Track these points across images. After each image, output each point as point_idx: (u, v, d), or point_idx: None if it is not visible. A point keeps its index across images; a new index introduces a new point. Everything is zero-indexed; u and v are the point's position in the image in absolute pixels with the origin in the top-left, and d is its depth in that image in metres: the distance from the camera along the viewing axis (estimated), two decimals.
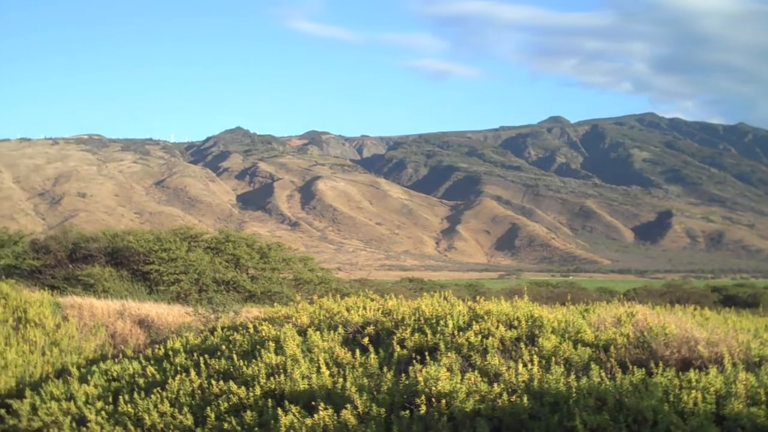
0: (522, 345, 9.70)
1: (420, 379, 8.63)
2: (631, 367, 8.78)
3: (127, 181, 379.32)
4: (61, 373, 12.96)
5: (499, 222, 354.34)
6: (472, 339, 9.76)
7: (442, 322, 10.44)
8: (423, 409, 8.17)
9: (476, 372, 8.91)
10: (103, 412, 9.98)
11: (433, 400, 8.31)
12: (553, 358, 9.24)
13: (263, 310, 16.67)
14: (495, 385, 8.50)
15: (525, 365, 8.98)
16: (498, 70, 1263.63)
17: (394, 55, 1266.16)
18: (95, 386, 11.00)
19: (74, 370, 12.07)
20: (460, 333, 10.05)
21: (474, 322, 10.40)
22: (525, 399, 8.11)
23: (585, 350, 9.62)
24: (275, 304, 15.16)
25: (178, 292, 29.79)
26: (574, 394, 8.20)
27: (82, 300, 18.86)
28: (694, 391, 8.02)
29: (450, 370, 8.88)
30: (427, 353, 9.49)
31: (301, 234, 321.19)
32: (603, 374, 8.65)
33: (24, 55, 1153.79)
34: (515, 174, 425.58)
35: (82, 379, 11.45)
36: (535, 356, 9.20)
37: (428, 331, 10.22)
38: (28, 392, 11.20)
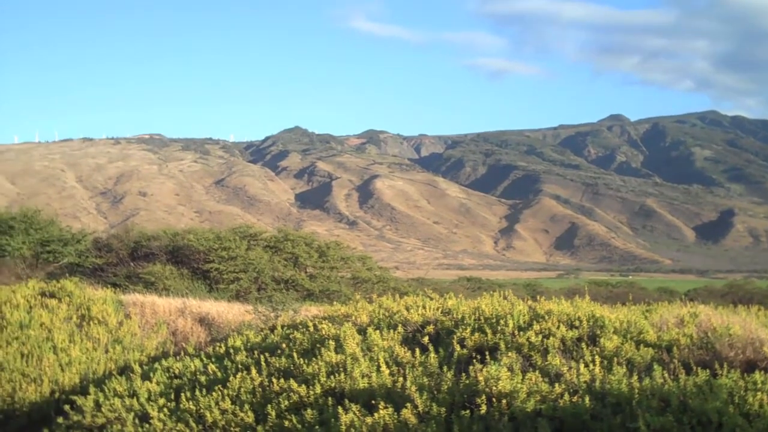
0: (583, 345, 9.60)
1: (480, 378, 8.57)
2: (694, 368, 8.64)
3: (187, 180, 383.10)
4: (124, 370, 13.10)
5: (558, 221, 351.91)
6: (533, 339, 9.68)
7: (502, 322, 10.37)
8: (483, 408, 8.11)
9: (537, 372, 8.83)
10: (165, 409, 10.06)
11: (494, 399, 8.24)
12: (615, 359, 9.13)
13: (322, 308, 16.72)
14: (556, 385, 8.41)
15: (586, 365, 8.87)
16: (557, 68, 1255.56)
17: (452, 53, 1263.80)
18: (157, 383, 11.10)
19: (137, 367, 12.20)
20: (521, 333, 9.98)
21: (534, 322, 10.32)
22: (587, 400, 8.01)
23: (647, 351, 9.50)
24: (334, 302, 15.18)
25: (237, 290, 30.02)
26: (637, 395, 8.08)
27: (144, 298, 19.07)
28: (759, 393, 7.87)
29: (511, 369, 8.81)
30: (487, 353, 9.42)
31: (359, 233, 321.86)
32: (666, 375, 8.53)
33: (88, 58, 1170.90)
34: (574, 173, 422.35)
35: (145, 376, 11.56)
36: (596, 356, 9.10)
37: (488, 331, 10.16)
38: (91, 389, 11.33)
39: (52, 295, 17.78)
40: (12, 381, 13.10)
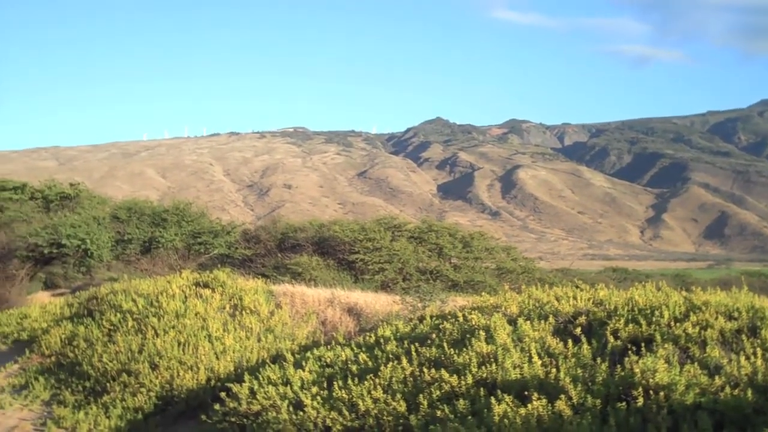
0: (743, 337, 9.28)
1: (637, 370, 8.39)
2: None
3: (331, 172, 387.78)
4: (276, 359, 13.37)
5: (707, 210, 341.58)
6: (690, 330, 9.41)
7: (657, 313, 10.11)
8: (640, 401, 7.94)
9: (695, 364, 8.59)
10: (318, 397, 10.22)
11: (651, 392, 8.06)
12: None
13: (470, 299, 16.65)
14: (716, 378, 8.17)
15: (747, 358, 8.57)
16: (704, 52, 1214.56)
17: (594, 40, 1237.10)
18: (310, 372, 11.29)
19: (289, 356, 12.42)
20: (677, 324, 9.72)
21: (691, 313, 10.03)
22: (749, 393, 7.74)
23: None
24: (482, 293, 15.10)
25: (382, 280, 30.23)
26: None
27: (294, 288, 19.38)
28: None
29: (668, 361, 8.59)
30: (642, 344, 9.22)
31: (502, 223, 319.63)
32: None
33: (235, 56, 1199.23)
34: (724, 160, 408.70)
35: (297, 365, 11.76)
36: (758, 349, 8.79)
37: (643, 322, 9.93)
38: (246, 377, 11.60)
39: (206, 286, 18.25)
40: (170, 368, 13.53)
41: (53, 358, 16.76)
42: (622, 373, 8.59)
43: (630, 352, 9.09)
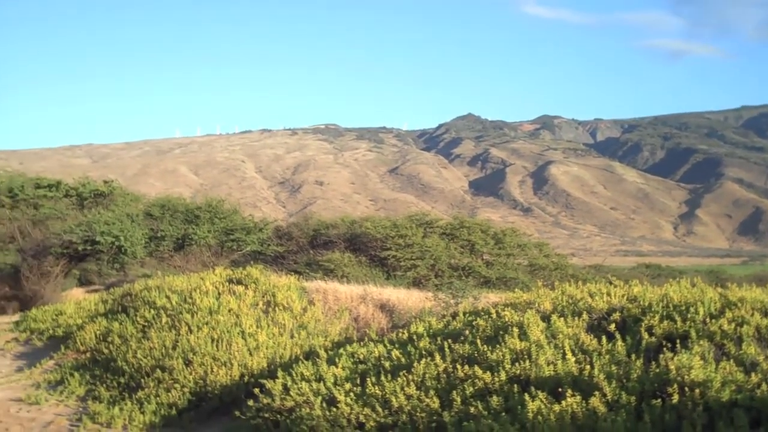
0: None
1: (672, 367, 8.33)
2: None
3: (362, 168, 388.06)
4: (309, 355, 13.40)
5: (741, 206, 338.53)
6: (726, 327, 9.33)
7: (692, 309, 10.04)
8: (675, 398, 7.89)
9: (731, 361, 8.53)
10: (351, 394, 10.23)
11: (686, 389, 8.01)
12: None
13: (503, 295, 16.62)
14: (752, 374, 8.09)
15: None
16: (739, 47, 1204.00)
17: (626, 35, 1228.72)
18: (343, 368, 11.30)
19: (322, 353, 12.45)
20: (712, 320, 9.64)
21: (726, 310, 9.96)
22: None
23: None
24: (515, 289, 15.05)
25: (414, 277, 30.21)
26: None
27: (327, 285, 19.41)
28: None
29: (703, 358, 8.54)
30: (677, 341, 9.16)
31: (534, 219, 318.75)
32: None
33: (267, 53, 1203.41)
34: (759, 155, 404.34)
35: (330, 361, 11.78)
36: None
37: (678, 318, 9.87)
38: (279, 373, 11.63)
39: (239, 282, 18.33)
40: (203, 365, 13.59)
41: (88, 354, 16.90)
42: (657, 370, 8.53)
43: (665, 348, 9.03)
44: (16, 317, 24.55)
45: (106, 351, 16.12)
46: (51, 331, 20.27)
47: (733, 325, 9.39)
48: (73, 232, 29.25)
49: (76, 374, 15.57)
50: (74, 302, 22.94)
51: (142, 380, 14.03)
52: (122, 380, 14.51)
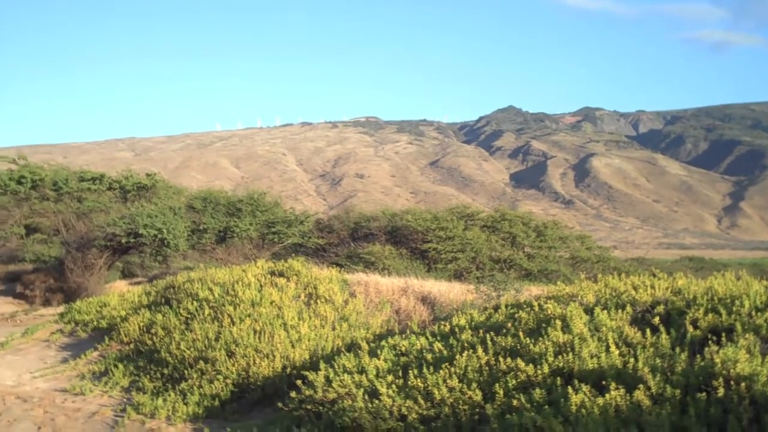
0: None
1: (717, 360, 8.24)
2: None
3: (403, 161, 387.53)
4: (351, 347, 13.42)
5: None
6: None
7: (737, 302, 9.92)
8: (721, 391, 7.80)
9: None
10: (393, 386, 10.22)
11: (732, 382, 7.92)
12: None
13: (545, 288, 16.55)
14: None
15: None
16: None
17: (669, 27, 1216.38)
18: (385, 360, 11.30)
19: (364, 345, 12.44)
20: (758, 314, 9.53)
21: None
22: None
23: None
24: (557, 282, 14.98)
25: (456, 270, 30.18)
26: None
27: (368, 277, 19.44)
28: None
29: (749, 352, 8.44)
30: (723, 334, 9.06)
31: (575, 212, 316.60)
32: None
33: (307, 47, 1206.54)
34: None
35: (372, 353, 11.78)
36: None
37: (723, 312, 9.76)
38: (321, 365, 11.65)
39: (281, 274, 18.38)
40: (246, 356, 13.66)
41: (132, 346, 17.04)
42: (702, 363, 8.44)
43: (710, 342, 8.94)
44: (61, 309, 24.77)
45: (149, 342, 16.25)
46: (95, 323, 20.44)
47: None
48: (117, 225, 29.47)
49: (120, 365, 15.72)
50: (118, 294, 23.13)
51: (185, 372, 14.13)
52: (165, 371, 14.63)
